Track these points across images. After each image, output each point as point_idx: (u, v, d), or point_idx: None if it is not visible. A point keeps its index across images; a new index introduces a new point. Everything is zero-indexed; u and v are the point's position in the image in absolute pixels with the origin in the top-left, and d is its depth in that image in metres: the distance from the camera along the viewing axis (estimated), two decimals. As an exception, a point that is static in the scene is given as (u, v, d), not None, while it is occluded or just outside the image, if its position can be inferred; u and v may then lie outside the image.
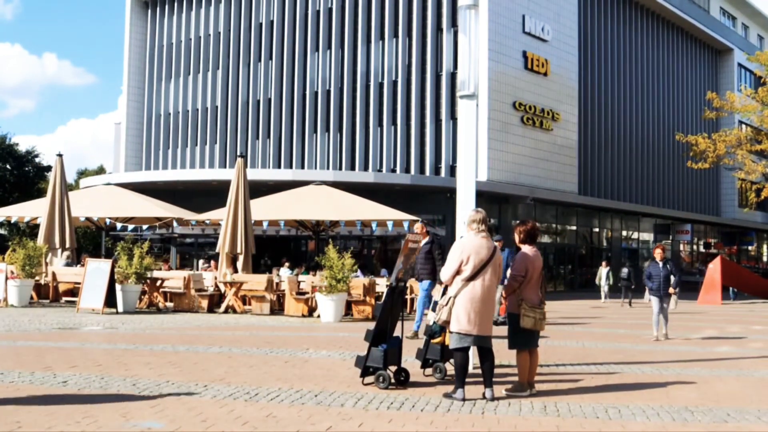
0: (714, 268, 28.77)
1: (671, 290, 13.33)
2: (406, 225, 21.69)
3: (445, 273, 7.10)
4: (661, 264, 13.35)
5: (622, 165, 41.41)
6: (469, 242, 7.08)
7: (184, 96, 42.74)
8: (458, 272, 7.00)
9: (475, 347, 7.14)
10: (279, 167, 37.88)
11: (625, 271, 26.17)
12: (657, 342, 12.67)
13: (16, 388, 6.94)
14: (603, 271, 27.09)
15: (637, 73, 42.50)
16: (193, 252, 35.99)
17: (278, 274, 19.36)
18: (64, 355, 9.17)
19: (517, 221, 7.90)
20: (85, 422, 5.68)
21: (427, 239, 12.43)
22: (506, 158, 32.48)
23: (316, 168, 36.76)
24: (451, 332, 7.06)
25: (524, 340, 7.30)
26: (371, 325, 7.72)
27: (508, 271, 7.47)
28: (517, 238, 7.58)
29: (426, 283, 12.41)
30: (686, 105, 47.31)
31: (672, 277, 13.30)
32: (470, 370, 7.74)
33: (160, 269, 20.07)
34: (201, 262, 28.23)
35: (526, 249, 7.45)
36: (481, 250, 7.00)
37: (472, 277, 6.94)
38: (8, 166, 49.69)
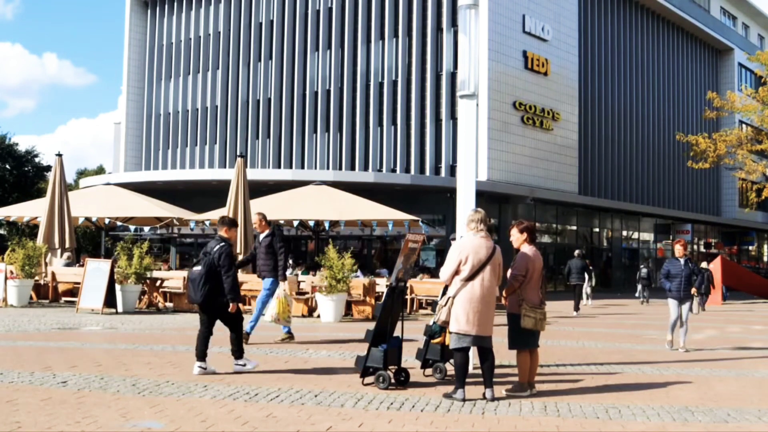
0: (714, 268, 28.77)
1: (693, 291, 11.63)
2: (406, 225, 21.69)
3: (444, 273, 7.10)
4: (682, 261, 11.62)
5: (622, 165, 41.40)
6: (468, 242, 7.08)
7: (184, 96, 42.72)
8: (457, 272, 7.00)
9: (476, 347, 7.14)
10: (279, 167, 37.85)
11: (644, 270, 27.95)
12: (668, 344, 11.56)
13: (16, 388, 6.93)
14: None
15: (638, 73, 42.48)
16: (192, 252, 35.97)
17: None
18: (64, 355, 9.17)
19: (514, 221, 7.87)
20: (85, 422, 5.68)
21: (267, 232, 11.24)
22: (506, 158, 32.47)
23: (316, 168, 36.74)
24: (450, 332, 7.07)
25: (524, 340, 7.30)
26: (371, 325, 7.72)
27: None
28: (515, 237, 7.58)
29: (268, 281, 11.12)
30: (686, 105, 47.29)
31: (694, 277, 11.63)
32: (470, 370, 7.74)
33: (160, 269, 20.06)
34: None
35: (526, 249, 7.45)
36: (480, 250, 6.99)
37: (470, 277, 6.94)
38: (8, 166, 49.66)
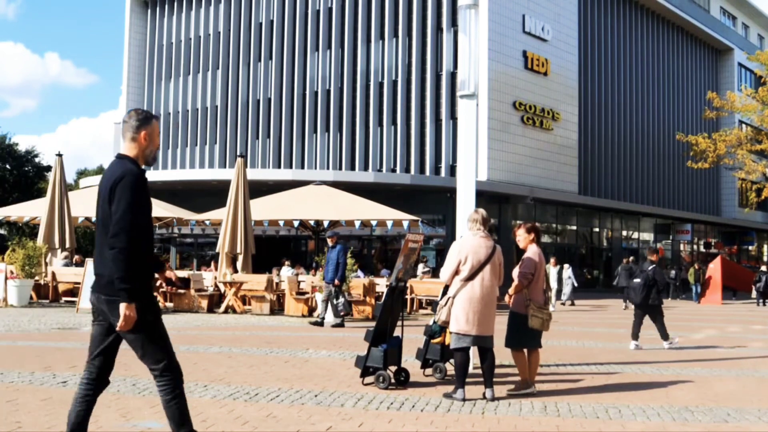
0: (714, 268, 28.77)
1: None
2: (406, 225, 21.69)
3: (444, 273, 7.11)
4: None
5: (622, 165, 41.40)
6: (468, 242, 7.09)
7: (184, 96, 42.72)
8: (457, 272, 7.01)
9: (476, 347, 7.14)
10: (279, 167, 37.85)
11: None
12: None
13: (16, 388, 6.93)
14: (551, 270, 22.17)
15: (637, 73, 42.48)
16: (192, 252, 35.98)
17: (278, 274, 19.35)
18: (64, 355, 9.16)
19: (519, 222, 7.93)
20: (85, 422, 5.66)
21: None
22: (506, 158, 32.47)
23: (316, 168, 36.74)
24: (450, 332, 7.07)
25: (520, 340, 7.32)
26: (371, 325, 7.72)
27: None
28: (521, 237, 7.61)
29: None
30: (686, 105, 47.29)
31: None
32: (470, 370, 7.74)
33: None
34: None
35: (533, 249, 7.48)
36: (479, 250, 7.00)
37: (470, 277, 6.94)
38: (8, 166, 49.67)
